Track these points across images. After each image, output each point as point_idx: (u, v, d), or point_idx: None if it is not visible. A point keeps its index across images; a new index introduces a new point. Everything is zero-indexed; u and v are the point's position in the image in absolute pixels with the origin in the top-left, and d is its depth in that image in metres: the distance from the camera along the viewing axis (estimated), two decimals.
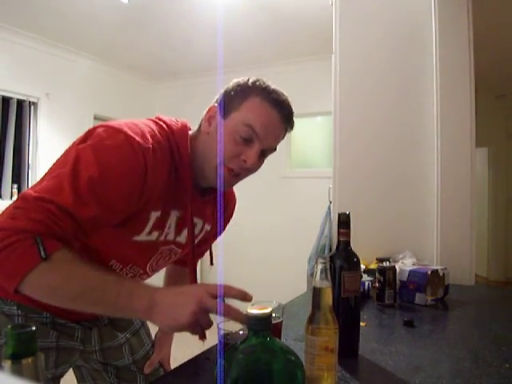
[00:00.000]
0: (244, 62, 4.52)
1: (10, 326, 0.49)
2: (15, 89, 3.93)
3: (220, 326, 0.85)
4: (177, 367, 0.97)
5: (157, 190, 0.89)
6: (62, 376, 1.06)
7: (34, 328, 0.49)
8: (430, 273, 1.54)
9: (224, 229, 1.20)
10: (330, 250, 2.80)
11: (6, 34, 3.82)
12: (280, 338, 0.96)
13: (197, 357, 1.02)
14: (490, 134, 5.50)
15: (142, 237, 0.93)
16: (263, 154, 0.96)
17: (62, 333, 1.00)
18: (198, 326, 0.78)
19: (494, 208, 6.04)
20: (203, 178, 0.98)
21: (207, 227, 1.11)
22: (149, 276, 1.09)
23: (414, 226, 2.15)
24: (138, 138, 0.83)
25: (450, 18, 2.09)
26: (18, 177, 4.01)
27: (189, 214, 0.98)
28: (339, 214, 1.04)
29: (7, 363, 0.47)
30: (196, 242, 1.08)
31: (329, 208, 2.95)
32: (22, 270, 0.72)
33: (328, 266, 0.78)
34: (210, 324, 0.80)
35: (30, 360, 0.48)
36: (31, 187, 0.81)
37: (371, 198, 2.24)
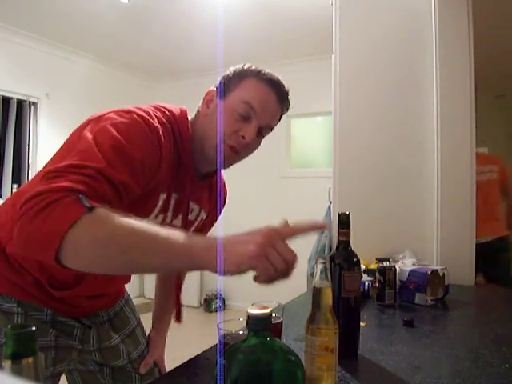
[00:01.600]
0: (244, 62, 4.52)
1: (9, 326, 0.49)
2: (15, 89, 3.93)
3: (220, 326, 0.85)
4: (176, 367, 0.97)
5: (164, 171, 0.91)
6: (60, 374, 1.06)
7: (34, 328, 0.49)
8: (429, 273, 1.54)
9: (215, 217, 1.22)
10: (330, 250, 2.80)
11: (6, 33, 3.82)
12: (280, 338, 0.96)
13: (196, 357, 1.02)
14: (489, 134, 5.49)
15: (150, 220, 0.94)
16: (260, 132, 0.98)
17: (61, 331, 1.01)
18: (269, 264, 0.68)
19: None
20: (203, 160, 1.00)
21: (203, 214, 1.12)
22: None
23: (414, 225, 2.15)
24: (148, 117, 0.87)
25: (450, 18, 2.09)
26: (17, 177, 4.01)
27: (186, 194, 1.01)
28: (339, 214, 1.04)
29: (7, 363, 0.47)
30: (192, 229, 1.09)
31: (329, 208, 2.95)
32: (64, 223, 0.65)
33: (328, 266, 0.78)
34: (288, 256, 0.70)
35: (30, 360, 0.48)
36: (45, 166, 0.84)
37: (371, 198, 2.24)
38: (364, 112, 2.28)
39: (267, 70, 1.00)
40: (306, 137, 4.80)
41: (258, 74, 0.97)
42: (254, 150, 1.02)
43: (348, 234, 1.04)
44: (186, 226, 1.06)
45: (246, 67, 0.99)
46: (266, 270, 0.68)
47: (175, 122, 0.95)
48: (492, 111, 5.49)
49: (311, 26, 3.67)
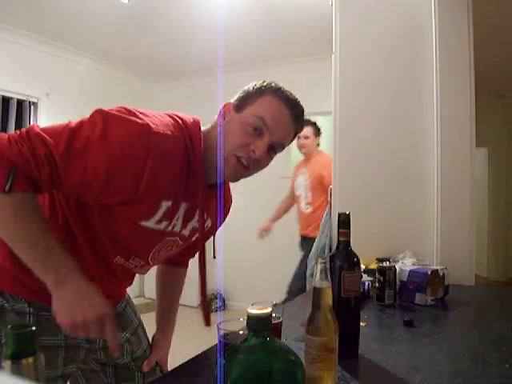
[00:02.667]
0: (244, 62, 4.52)
1: (9, 326, 0.49)
2: (15, 89, 3.93)
3: (220, 326, 0.85)
4: (177, 367, 0.97)
5: (167, 180, 0.91)
6: (70, 376, 1.07)
7: (33, 328, 0.49)
8: (430, 273, 1.54)
9: (221, 224, 1.23)
10: (330, 250, 2.80)
11: (6, 34, 3.82)
12: (280, 338, 0.96)
13: (197, 357, 1.02)
14: (490, 134, 5.50)
15: (151, 224, 0.95)
16: (272, 148, 0.98)
17: None
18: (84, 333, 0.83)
19: (494, 208, 6.04)
20: (213, 170, 1.00)
21: (208, 223, 1.13)
22: (150, 266, 1.11)
23: (414, 225, 2.15)
24: (148, 121, 0.87)
25: (450, 18, 2.09)
26: None
27: (199, 206, 1.01)
28: (339, 214, 1.04)
29: (7, 363, 0.47)
30: (196, 237, 1.11)
31: (329, 208, 2.95)
32: None
33: (328, 266, 0.78)
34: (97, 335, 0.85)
35: (29, 360, 0.48)
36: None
37: (371, 198, 2.24)
38: (364, 112, 2.28)
39: (286, 89, 1.01)
40: None
41: (275, 92, 0.98)
42: (264, 166, 1.01)
43: (348, 234, 1.04)
44: (193, 234, 1.08)
45: (265, 83, 0.99)
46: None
47: (187, 132, 0.96)
48: (492, 111, 5.49)
49: (311, 26, 3.67)
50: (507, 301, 1.75)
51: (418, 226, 2.13)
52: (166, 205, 0.94)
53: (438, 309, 1.51)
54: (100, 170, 0.83)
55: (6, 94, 3.88)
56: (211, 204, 1.09)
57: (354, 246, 1.05)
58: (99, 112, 0.87)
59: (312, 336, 0.77)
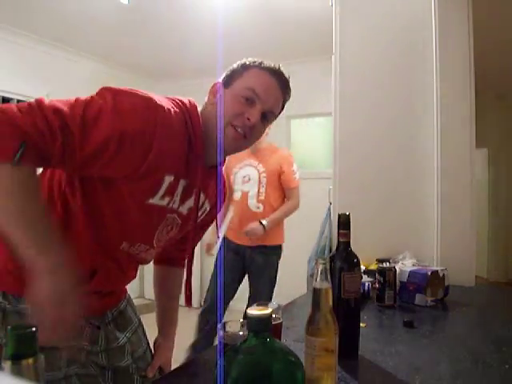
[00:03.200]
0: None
1: (10, 327, 0.49)
2: (15, 89, 3.93)
3: (220, 327, 0.85)
4: (177, 368, 0.97)
5: (171, 154, 0.94)
6: (72, 377, 1.04)
7: (34, 329, 0.49)
8: (430, 274, 1.54)
9: (220, 208, 1.26)
10: (330, 251, 2.80)
11: (7, 34, 3.82)
12: (280, 338, 0.96)
13: (197, 357, 1.02)
14: (490, 135, 5.50)
15: (156, 200, 0.96)
16: (265, 117, 1.03)
17: None
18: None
19: (494, 209, 6.04)
20: (212, 147, 1.03)
21: (207, 206, 1.15)
22: (154, 251, 1.11)
23: (414, 226, 2.15)
24: (155, 99, 0.91)
25: (451, 18, 2.09)
26: None
27: (197, 184, 1.03)
28: (339, 215, 1.04)
29: (7, 364, 0.47)
30: (198, 219, 1.12)
31: (329, 209, 2.95)
32: None
33: (328, 267, 0.78)
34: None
35: (30, 361, 0.48)
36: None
37: (371, 199, 2.24)
38: (364, 113, 2.28)
39: (269, 61, 1.06)
40: (306, 138, 4.80)
41: (260, 64, 1.03)
42: (259, 135, 1.07)
43: (348, 235, 1.04)
44: (191, 213, 1.08)
45: (249, 60, 1.06)
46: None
47: (187, 111, 1.00)
48: (492, 112, 5.49)
49: (311, 27, 3.67)
50: (507, 302, 1.75)
51: (418, 227, 2.13)
52: (168, 180, 0.96)
53: (438, 310, 1.51)
54: (112, 139, 0.84)
55: (6, 95, 3.88)
56: (209, 185, 1.11)
57: (353, 246, 1.05)
58: (106, 88, 0.89)
59: (312, 337, 0.77)
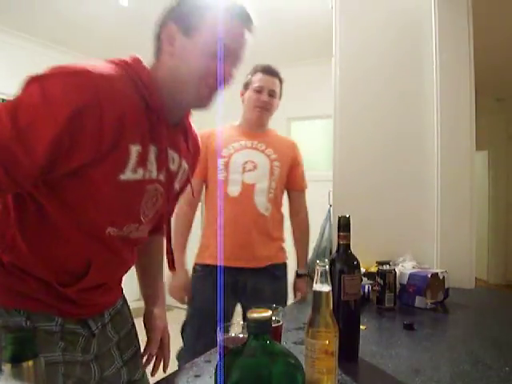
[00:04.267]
0: (244, 65, 4.52)
1: (9, 330, 0.49)
2: (14, 91, 3.92)
3: (220, 329, 0.85)
4: (177, 370, 0.97)
5: (127, 121, 0.84)
6: None
7: (33, 331, 0.49)
8: (430, 276, 1.54)
9: (194, 169, 1.19)
10: (330, 254, 2.80)
11: (5, 36, 3.83)
12: (280, 341, 0.96)
13: (197, 359, 1.02)
14: (490, 137, 5.51)
15: (128, 175, 0.88)
16: (234, 66, 1.00)
17: (69, 342, 0.96)
18: None
19: (494, 211, 6.04)
20: (176, 103, 0.96)
21: (185, 165, 1.08)
22: (145, 226, 1.03)
23: (414, 229, 2.15)
24: (89, 68, 0.80)
25: (451, 21, 2.10)
26: None
27: (165, 144, 0.95)
28: (339, 218, 1.04)
29: (7, 366, 0.47)
30: (176, 182, 1.06)
31: (329, 211, 2.95)
32: None
33: (328, 270, 0.78)
34: None
35: (30, 363, 0.48)
36: None
37: (371, 202, 2.23)
38: (364, 115, 2.29)
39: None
40: (305, 140, 4.79)
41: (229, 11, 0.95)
42: (230, 80, 0.99)
43: (348, 238, 1.04)
44: (170, 178, 1.01)
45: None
46: None
47: (131, 70, 0.89)
48: (492, 114, 5.50)
49: (311, 30, 3.68)
50: (507, 304, 1.75)
51: (418, 229, 2.13)
52: (135, 149, 0.87)
53: (438, 312, 1.51)
54: (61, 133, 0.75)
55: (4, 97, 3.88)
56: (180, 142, 1.04)
57: (353, 249, 1.05)
58: (30, 80, 0.80)
59: (312, 339, 0.77)
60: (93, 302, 1.02)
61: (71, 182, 0.84)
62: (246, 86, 2.02)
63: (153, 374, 1.17)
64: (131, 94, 0.86)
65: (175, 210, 1.41)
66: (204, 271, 1.90)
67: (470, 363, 0.99)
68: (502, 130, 5.99)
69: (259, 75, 1.99)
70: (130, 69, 0.89)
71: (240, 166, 1.92)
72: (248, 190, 1.90)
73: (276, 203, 2.01)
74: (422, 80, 2.14)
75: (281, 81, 2.06)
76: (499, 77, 4.68)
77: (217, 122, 1.87)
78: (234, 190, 1.90)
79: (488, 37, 3.20)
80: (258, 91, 1.96)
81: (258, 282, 1.88)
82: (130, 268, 1.13)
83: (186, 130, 1.07)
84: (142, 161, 0.90)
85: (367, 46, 2.29)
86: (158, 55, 0.96)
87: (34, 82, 0.80)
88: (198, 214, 2.09)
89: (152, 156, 0.92)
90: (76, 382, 0.97)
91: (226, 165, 1.91)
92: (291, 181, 2.08)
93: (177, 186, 1.08)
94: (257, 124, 2.03)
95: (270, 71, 2.01)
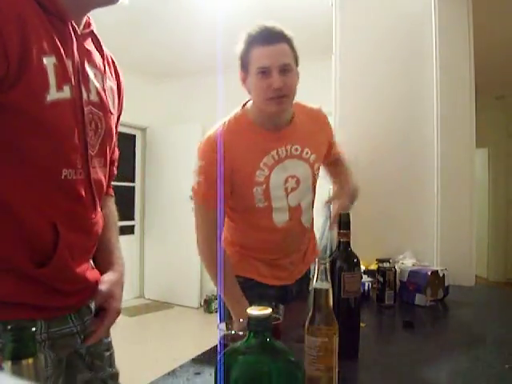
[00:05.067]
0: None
1: (9, 327, 0.49)
2: None
3: (220, 327, 0.85)
4: (177, 368, 0.97)
5: (27, 24, 0.74)
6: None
7: (33, 328, 0.49)
8: (430, 273, 1.54)
9: (122, 101, 1.09)
10: (331, 251, 2.80)
11: None
12: (280, 338, 0.96)
13: (197, 357, 1.02)
14: (490, 135, 5.51)
15: (54, 94, 0.78)
16: None
17: (59, 347, 0.86)
18: None
19: (494, 209, 6.04)
20: (76, 7, 0.87)
21: (110, 83, 0.98)
22: (95, 160, 0.92)
23: (414, 226, 2.15)
24: None
25: (450, 18, 2.10)
26: None
27: (79, 56, 0.85)
28: (339, 215, 1.04)
29: (7, 364, 0.47)
30: (110, 103, 0.97)
31: (329, 209, 2.95)
32: None
33: (328, 267, 0.78)
34: None
35: (29, 361, 0.47)
36: None
37: (371, 199, 2.23)
38: (364, 112, 2.28)
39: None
40: None
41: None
42: None
43: (348, 235, 1.04)
44: (101, 98, 0.92)
45: None
46: None
47: None
48: (492, 112, 5.50)
49: (311, 27, 3.68)
50: (507, 301, 1.75)
51: (418, 227, 2.13)
52: (50, 61, 0.77)
53: (438, 309, 1.51)
54: None
55: None
56: (95, 57, 0.94)
57: (354, 246, 1.05)
58: None
59: (312, 337, 0.77)
60: (72, 280, 0.90)
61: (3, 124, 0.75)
62: (244, 66, 1.38)
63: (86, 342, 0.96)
64: (22, 2, 0.75)
65: (201, 251, 1.39)
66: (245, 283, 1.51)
67: (469, 361, 0.99)
68: (501, 128, 5.99)
69: (259, 49, 1.34)
70: None
71: (282, 189, 1.45)
72: (296, 213, 1.52)
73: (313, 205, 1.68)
74: (422, 77, 2.14)
75: (291, 43, 1.45)
76: (499, 74, 4.68)
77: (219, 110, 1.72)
78: (281, 220, 1.48)
79: (488, 35, 3.20)
80: (265, 74, 1.32)
81: (299, 290, 1.63)
82: (98, 232, 0.98)
83: (97, 44, 0.98)
84: (64, 76, 0.80)
85: (367, 43, 2.29)
86: None
87: None
88: None
89: (71, 70, 0.82)
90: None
91: (266, 192, 1.43)
92: (327, 155, 1.63)
93: (112, 108, 0.98)
94: (279, 117, 1.43)
95: (271, 38, 1.35)
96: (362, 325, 1.09)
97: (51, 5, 0.79)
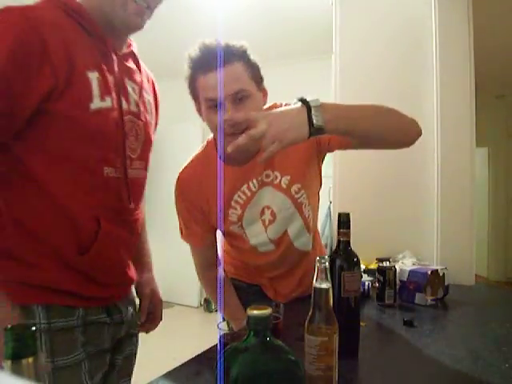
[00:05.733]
0: None
1: (9, 326, 0.49)
2: None
3: (220, 326, 0.85)
4: (177, 367, 0.97)
5: (73, 44, 0.86)
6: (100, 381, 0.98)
7: (34, 328, 0.49)
8: (430, 273, 1.54)
9: (157, 114, 1.21)
10: (330, 250, 2.81)
11: None
12: (280, 337, 0.96)
13: (197, 356, 1.02)
14: (489, 134, 5.50)
15: (97, 103, 0.89)
16: None
17: (92, 334, 0.95)
18: None
19: (494, 208, 6.04)
20: (114, 29, 0.97)
21: (148, 97, 1.10)
22: (135, 162, 1.04)
23: (414, 225, 2.15)
24: (15, 9, 0.81)
25: (450, 18, 2.09)
26: None
27: (119, 73, 0.97)
28: (339, 214, 1.04)
29: (7, 363, 0.47)
30: (148, 114, 1.08)
31: (329, 208, 2.96)
32: None
33: (328, 266, 0.78)
34: None
35: (30, 360, 0.47)
36: None
37: (371, 198, 2.24)
38: None
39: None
40: None
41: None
42: (159, 2, 1.05)
43: (348, 234, 1.04)
44: (138, 109, 1.03)
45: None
46: None
47: (57, 1, 0.90)
48: (492, 111, 5.50)
49: (311, 26, 3.67)
50: (507, 301, 1.75)
51: (418, 226, 2.13)
52: (94, 76, 0.89)
53: (438, 309, 1.51)
54: (4, 72, 0.77)
55: None
56: (134, 74, 1.05)
57: (353, 245, 1.05)
58: None
59: (312, 336, 0.77)
60: (112, 276, 1.01)
61: (45, 122, 0.85)
62: (194, 95, 1.21)
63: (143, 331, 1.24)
64: (68, 22, 0.88)
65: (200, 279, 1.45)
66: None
67: (470, 360, 0.99)
68: (501, 127, 5.98)
69: (202, 78, 1.14)
70: (57, 1, 0.90)
71: (258, 224, 1.33)
72: (284, 242, 1.37)
73: (315, 226, 1.49)
74: (422, 76, 2.14)
75: (244, 58, 1.18)
76: (499, 74, 4.68)
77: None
78: (269, 250, 1.38)
79: (488, 34, 3.20)
80: (216, 106, 1.12)
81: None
82: (138, 229, 1.10)
83: (137, 63, 1.10)
84: (106, 88, 0.92)
85: (367, 42, 2.29)
86: None
87: None
88: None
89: (112, 85, 0.94)
90: (102, 370, 0.99)
91: (242, 232, 1.35)
92: (323, 149, 1.43)
93: (150, 119, 1.10)
94: (243, 152, 1.23)
95: (215, 61, 1.11)
96: (362, 324, 1.10)
97: (93, 30, 0.93)
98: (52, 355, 0.83)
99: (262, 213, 1.32)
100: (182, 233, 1.37)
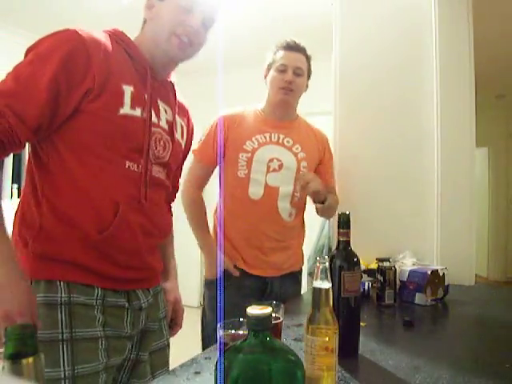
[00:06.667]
0: (244, 62, 4.52)
1: (9, 326, 0.49)
2: None
3: (220, 326, 0.85)
4: (177, 367, 0.97)
5: (113, 61, 0.99)
6: (114, 366, 1.01)
7: (34, 328, 0.49)
8: (430, 273, 1.54)
9: (191, 141, 1.33)
10: (330, 250, 2.80)
11: (6, 34, 3.82)
12: (280, 337, 0.96)
13: (197, 356, 1.02)
14: (490, 134, 5.50)
15: (127, 110, 1.00)
16: (204, 24, 1.10)
17: (111, 316, 1.00)
18: None
19: (494, 208, 6.04)
20: (160, 60, 1.10)
21: (180, 121, 1.20)
22: (159, 167, 1.11)
23: (414, 225, 2.14)
24: (69, 28, 0.96)
25: (451, 18, 2.09)
26: (18, 177, 4.00)
27: (154, 93, 1.08)
28: (339, 214, 1.04)
29: (7, 363, 0.47)
30: (178, 134, 1.18)
31: None
32: None
33: (328, 266, 0.78)
34: None
35: (30, 360, 0.47)
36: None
37: (371, 198, 2.23)
38: (364, 112, 2.28)
39: None
40: None
41: None
42: (202, 41, 1.13)
43: (348, 234, 1.04)
44: (170, 127, 1.13)
45: None
46: None
47: (114, 33, 1.06)
48: (492, 111, 5.50)
49: (311, 26, 3.67)
50: (507, 301, 1.75)
51: (418, 226, 2.13)
52: (128, 89, 1.01)
53: (438, 309, 1.51)
54: (55, 77, 0.90)
55: None
56: (169, 99, 1.16)
57: (353, 245, 1.05)
58: (27, 51, 0.95)
59: (312, 336, 0.77)
60: (130, 259, 1.05)
61: (80, 120, 0.96)
62: (269, 66, 1.79)
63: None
64: (113, 44, 1.02)
65: (182, 194, 1.68)
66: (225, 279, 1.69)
67: (469, 360, 0.99)
68: (501, 127, 5.98)
69: (281, 53, 1.76)
70: (112, 33, 1.05)
71: (264, 165, 1.67)
72: (271, 193, 1.67)
73: (300, 208, 1.79)
74: (421, 76, 2.14)
75: (308, 57, 1.81)
76: (499, 74, 4.68)
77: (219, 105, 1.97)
78: (256, 193, 1.66)
79: (488, 34, 3.20)
80: (282, 70, 1.71)
81: (281, 286, 1.73)
82: (169, 220, 1.24)
83: (174, 91, 1.21)
84: (138, 101, 1.02)
85: (367, 42, 2.29)
86: (143, 27, 1.13)
87: (28, 50, 0.95)
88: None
89: (147, 101, 1.05)
90: (121, 356, 1.02)
91: (249, 161, 1.67)
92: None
93: (180, 139, 1.19)
94: (283, 108, 1.76)
95: (293, 47, 1.78)
96: (362, 324, 1.10)
97: (136, 56, 1.07)
98: (71, 326, 0.92)
99: (271, 160, 1.69)
100: (196, 150, 1.73)
